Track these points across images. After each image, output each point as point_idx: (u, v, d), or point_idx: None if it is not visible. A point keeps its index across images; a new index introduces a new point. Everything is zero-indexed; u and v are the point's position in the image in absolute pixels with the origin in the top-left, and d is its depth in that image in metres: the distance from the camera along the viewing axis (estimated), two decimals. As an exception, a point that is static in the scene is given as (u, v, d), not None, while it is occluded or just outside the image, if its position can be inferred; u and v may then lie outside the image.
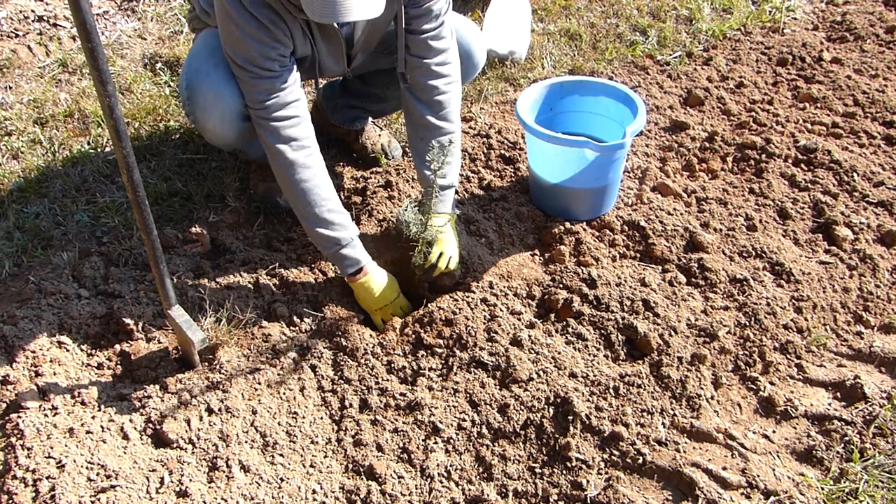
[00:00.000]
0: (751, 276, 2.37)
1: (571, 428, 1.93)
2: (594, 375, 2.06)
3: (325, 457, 1.92)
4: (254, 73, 2.03)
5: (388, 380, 2.08)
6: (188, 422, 1.92)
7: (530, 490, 1.85)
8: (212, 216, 2.62)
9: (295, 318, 2.24)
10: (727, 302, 2.32)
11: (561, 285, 2.33)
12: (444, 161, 2.18)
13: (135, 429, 1.91)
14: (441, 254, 2.29)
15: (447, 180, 2.32)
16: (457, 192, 2.72)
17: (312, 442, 1.94)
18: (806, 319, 2.31)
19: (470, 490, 1.85)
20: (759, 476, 1.88)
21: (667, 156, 2.95)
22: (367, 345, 2.15)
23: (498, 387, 2.04)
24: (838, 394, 2.14)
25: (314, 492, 1.83)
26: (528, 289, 2.34)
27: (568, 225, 2.53)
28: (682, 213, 2.62)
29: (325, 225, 2.17)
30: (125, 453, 1.85)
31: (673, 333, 2.18)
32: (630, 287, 2.31)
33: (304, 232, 2.26)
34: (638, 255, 2.49)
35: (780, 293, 2.35)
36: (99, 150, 2.92)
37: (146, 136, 2.98)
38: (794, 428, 2.06)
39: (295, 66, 2.13)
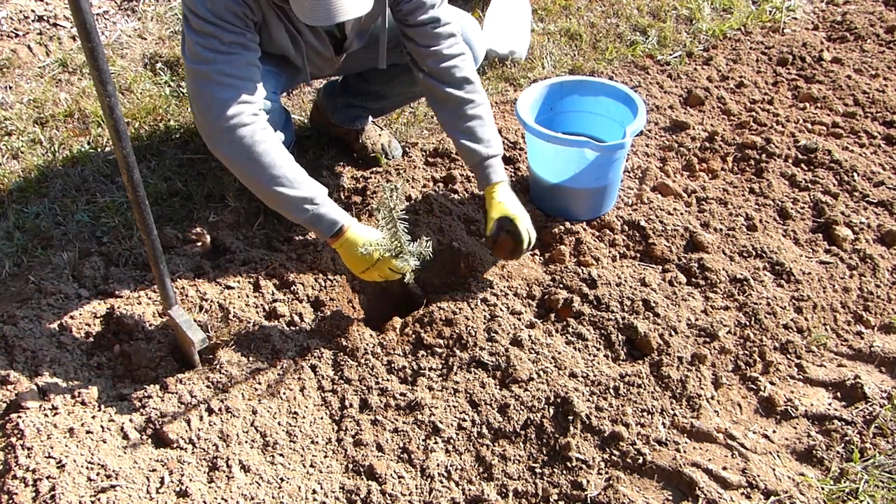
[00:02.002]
0: (751, 276, 2.37)
1: (571, 428, 1.93)
2: (594, 375, 2.06)
3: (326, 457, 1.92)
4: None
5: (388, 380, 2.08)
6: (188, 422, 1.92)
7: (530, 490, 1.85)
8: (212, 216, 2.62)
9: (295, 318, 2.24)
10: (727, 302, 2.32)
11: (561, 285, 2.33)
12: (485, 132, 2.24)
13: (135, 429, 1.91)
14: (523, 229, 2.23)
15: (493, 149, 2.31)
16: (455, 191, 2.72)
17: (312, 442, 1.94)
18: (806, 319, 2.31)
19: (470, 490, 1.85)
20: (759, 476, 1.88)
21: (667, 156, 2.95)
22: (367, 345, 2.15)
23: (498, 387, 2.04)
24: (838, 394, 2.14)
25: (314, 492, 1.83)
26: (528, 289, 2.34)
27: (568, 225, 2.53)
28: (682, 213, 2.62)
29: (291, 185, 2.03)
30: (125, 453, 1.85)
31: (673, 333, 2.18)
32: (630, 287, 2.31)
33: (294, 223, 2.14)
34: (638, 255, 2.49)
35: (781, 293, 2.35)
36: (99, 150, 2.92)
37: (146, 136, 2.98)
38: (795, 428, 2.06)
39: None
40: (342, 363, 2.11)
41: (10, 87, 3.18)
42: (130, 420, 1.93)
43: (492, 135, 2.32)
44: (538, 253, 2.50)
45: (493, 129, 2.34)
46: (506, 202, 2.27)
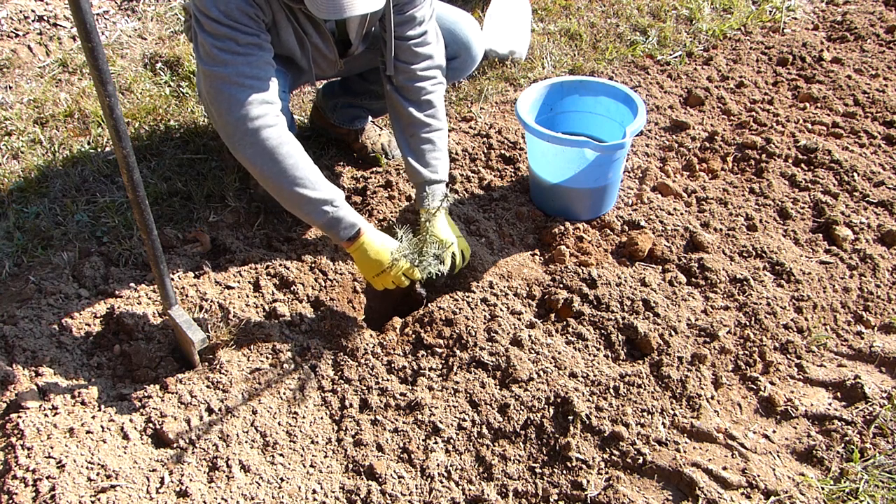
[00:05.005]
0: (751, 276, 2.37)
1: (571, 428, 1.93)
2: (594, 375, 2.06)
3: (326, 457, 1.92)
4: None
5: (388, 380, 2.08)
6: (188, 422, 1.92)
7: (530, 490, 1.85)
8: (212, 216, 2.62)
9: (295, 318, 2.24)
10: (727, 302, 2.32)
11: (561, 285, 2.33)
12: (434, 157, 2.22)
13: (135, 429, 1.91)
14: (453, 255, 2.26)
15: (438, 175, 2.31)
16: (456, 191, 2.72)
17: (312, 442, 1.94)
18: (806, 319, 2.31)
19: (470, 490, 1.85)
20: (759, 476, 1.88)
21: (667, 156, 2.95)
22: (367, 345, 2.15)
23: (498, 387, 2.04)
24: (838, 394, 2.14)
25: (314, 492, 1.83)
26: (528, 289, 2.34)
27: (568, 225, 2.53)
28: (682, 213, 2.62)
29: (313, 187, 2.03)
30: (125, 453, 1.85)
31: (673, 333, 2.18)
32: (630, 287, 2.31)
33: (297, 224, 2.16)
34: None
35: (781, 293, 2.35)
36: (99, 150, 2.92)
37: (146, 136, 2.98)
38: (795, 428, 2.06)
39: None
40: (342, 363, 2.11)
41: (10, 87, 3.18)
42: (130, 420, 1.93)
43: (440, 161, 2.32)
44: (538, 253, 2.50)
45: (443, 156, 2.34)
46: (438, 228, 2.26)
